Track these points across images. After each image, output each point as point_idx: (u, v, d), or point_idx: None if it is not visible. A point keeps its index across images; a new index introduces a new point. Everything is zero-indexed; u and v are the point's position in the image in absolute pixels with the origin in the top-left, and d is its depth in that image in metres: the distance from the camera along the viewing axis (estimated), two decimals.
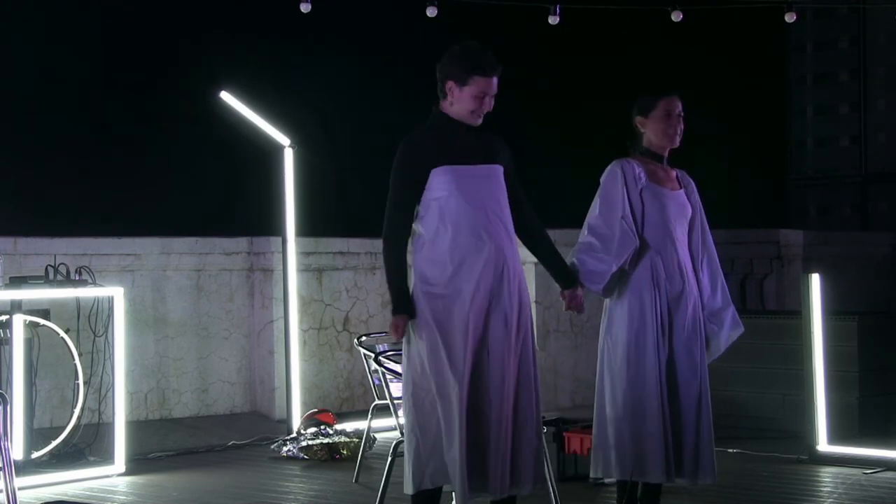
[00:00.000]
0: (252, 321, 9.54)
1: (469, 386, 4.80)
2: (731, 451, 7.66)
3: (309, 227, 9.40)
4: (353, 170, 11.89)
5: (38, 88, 10.52)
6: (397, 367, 6.13)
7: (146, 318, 9.03)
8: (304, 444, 7.89)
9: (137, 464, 7.61)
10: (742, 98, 15.44)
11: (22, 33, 10.34)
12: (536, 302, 9.82)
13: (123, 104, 11.08)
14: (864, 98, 17.36)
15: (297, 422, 8.69)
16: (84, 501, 6.57)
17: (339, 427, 8.22)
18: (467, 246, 4.87)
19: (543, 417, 5.26)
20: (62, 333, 7.49)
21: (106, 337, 7.42)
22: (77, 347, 7.52)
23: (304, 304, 9.53)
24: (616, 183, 5.50)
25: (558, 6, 9.88)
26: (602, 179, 5.56)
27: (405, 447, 4.95)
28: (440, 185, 4.88)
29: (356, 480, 7.09)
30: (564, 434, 6.91)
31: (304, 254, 9.44)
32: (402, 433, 5.96)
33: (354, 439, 7.81)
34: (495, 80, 4.93)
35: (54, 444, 7.38)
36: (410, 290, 4.92)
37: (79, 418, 7.51)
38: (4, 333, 7.14)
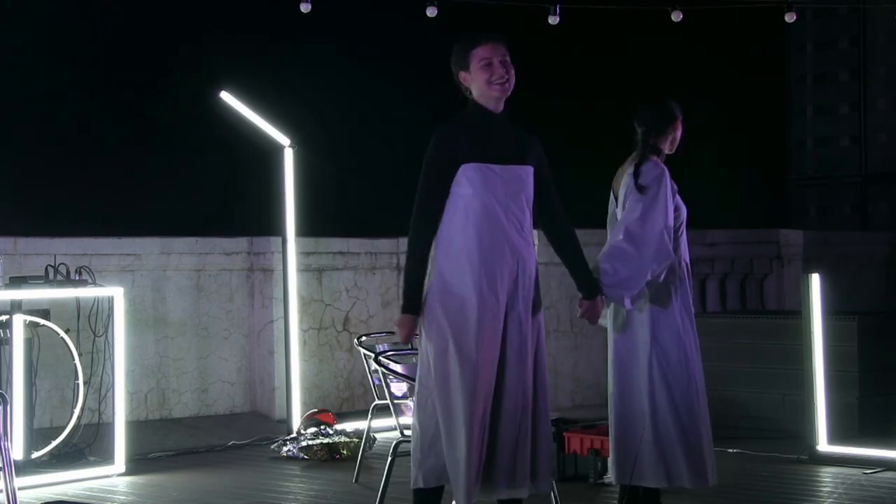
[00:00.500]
0: (252, 321, 9.54)
1: (485, 386, 4.80)
2: (731, 451, 7.66)
3: (309, 227, 9.40)
4: (353, 170, 11.89)
5: (38, 88, 10.51)
6: (397, 367, 6.13)
7: (146, 318, 9.03)
8: (304, 444, 7.89)
9: (137, 464, 7.61)
10: (742, 98, 15.44)
11: (22, 33, 10.33)
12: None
13: (124, 104, 11.07)
14: (864, 98, 17.36)
15: (297, 422, 8.69)
16: (84, 501, 6.57)
17: (339, 427, 8.22)
18: (489, 248, 4.85)
19: None
20: (62, 333, 7.49)
21: (106, 337, 7.42)
22: (77, 347, 7.52)
23: (304, 304, 9.53)
24: (662, 187, 5.42)
25: (558, 6, 9.87)
26: (645, 181, 5.44)
27: (412, 440, 4.98)
28: (467, 181, 4.86)
29: (356, 480, 7.09)
30: (564, 434, 6.91)
31: (304, 254, 9.44)
32: (402, 433, 5.97)
33: (354, 439, 7.81)
34: (495, 46, 4.93)
35: (54, 444, 7.38)
36: (426, 288, 4.91)
37: (79, 418, 7.51)
38: (4, 333, 7.14)
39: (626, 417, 5.50)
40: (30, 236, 8.54)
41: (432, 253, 4.95)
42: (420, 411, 4.90)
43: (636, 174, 5.49)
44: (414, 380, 5.76)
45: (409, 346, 7.62)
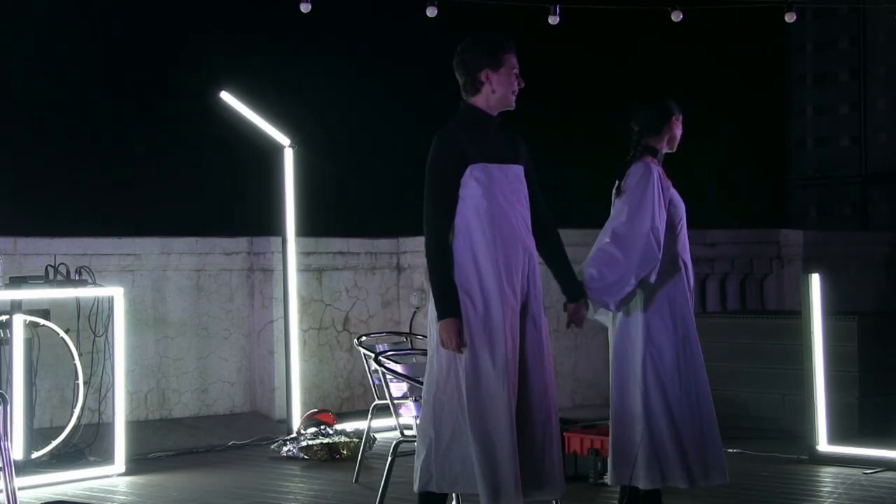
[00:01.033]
0: (252, 321, 9.54)
1: (514, 388, 4.80)
2: (731, 451, 7.65)
3: (309, 227, 9.40)
4: (353, 170, 11.88)
5: (38, 88, 10.51)
6: (397, 367, 6.13)
7: (146, 318, 9.03)
8: (304, 444, 7.89)
9: (137, 464, 7.61)
10: (742, 98, 15.43)
11: (22, 33, 10.33)
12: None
13: (123, 104, 11.07)
14: (864, 98, 17.35)
15: (297, 422, 8.69)
16: (84, 501, 6.57)
17: (339, 427, 8.22)
18: (505, 247, 4.85)
19: None
20: (62, 333, 7.49)
21: (106, 337, 7.42)
22: (77, 347, 7.52)
23: (304, 304, 9.53)
24: (648, 188, 5.40)
25: (558, 6, 9.87)
26: (632, 182, 5.44)
27: (417, 444, 4.95)
28: (475, 182, 4.86)
29: (356, 480, 7.09)
30: (564, 434, 6.90)
31: (304, 254, 9.44)
32: (402, 433, 5.97)
33: (354, 439, 7.81)
34: (515, 55, 5.00)
35: (54, 444, 7.38)
36: None
37: (79, 418, 7.52)
38: (4, 333, 7.14)
39: (623, 419, 5.50)
40: (30, 236, 8.55)
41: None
42: (435, 416, 4.85)
43: (622, 175, 5.49)
44: (414, 380, 5.77)
45: (410, 346, 7.65)
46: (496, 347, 4.78)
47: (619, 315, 5.52)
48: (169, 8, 11.15)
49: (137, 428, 8.35)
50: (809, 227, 16.38)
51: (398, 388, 6.16)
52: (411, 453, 5.25)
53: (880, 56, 17.24)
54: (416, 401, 6.00)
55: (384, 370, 6.04)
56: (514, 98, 4.99)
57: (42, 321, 7.36)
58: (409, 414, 6.13)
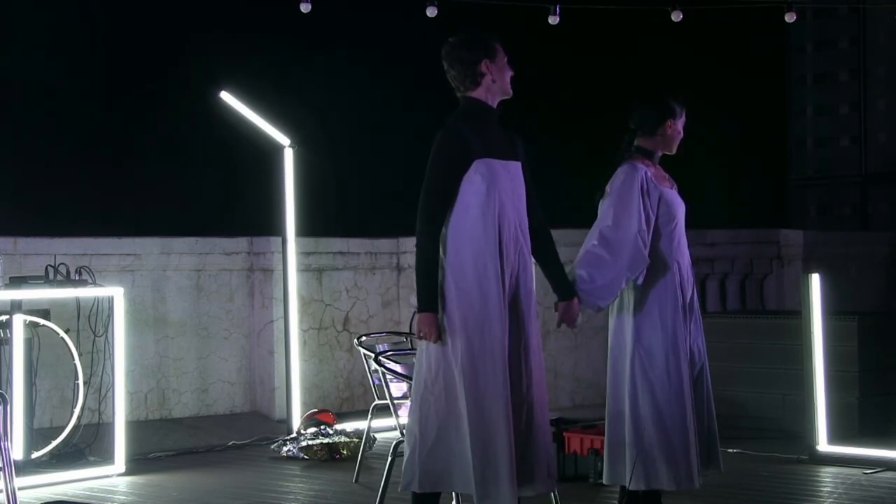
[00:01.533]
0: (252, 321, 9.54)
1: (510, 385, 4.81)
2: (731, 451, 7.65)
3: (309, 227, 9.40)
4: (353, 170, 11.89)
5: (37, 88, 10.51)
6: (397, 367, 6.13)
7: (146, 318, 9.04)
8: (304, 444, 7.89)
9: (137, 464, 7.61)
10: (742, 98, 15.43)
11: (22, 33, 10.33)
12: (537, 302, 9.81)
13: (123, 104, 11.07)
14: (864, 98, 17.35)
15: (297, 422, 8.69)
16: (84, 501, 6.57)
17: (339, 427, 8.22)
18: (505, 242, 4.86)
19: None
20: (62, 333, 7.49)
21: (106, 337, 7.42)
22: (77, 347, 7.52)
23: (304, 304, 9.53)
24: (633, 191, 5.37)
25: (558, 6, 9.87)
26: (616, 185, 5.42)
27: (405, 444, 4.96)
28: (480, 177, 4.85)
29: (356, 480, 7.09)
30: (564, 434, 6.91)
31: (304, 254, 9.44)
32: (402, 433, 5.96)
33: (354, 439, 7.81)
34: None
35: (54, 444, 7.38)
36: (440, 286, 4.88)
37: (79, 418, 7.51)
38: (4, 333, 7.14)
39: (615, 419, 5.50)
40: (30, 236, 8.54)
41: (441, 251, 4.92)
42: (422, 414, 4.86)
43: (611, 177, 5.49)
44: None
45: (410, 346, 7.65)
46: (493, 343, 4.78)
47: (613, 315, 5.52)
48: (169, 8, 11.16)
49: (137, 428, 8.35)
50: (809, 227, 16.39)
51: (398, 388, 6.16)
52: None
53: (880, 56, 17.25)
54: None
55: (384, 370, 6.04)
56: (511, 88, 5.03)
57: (42, 321, 7.36)
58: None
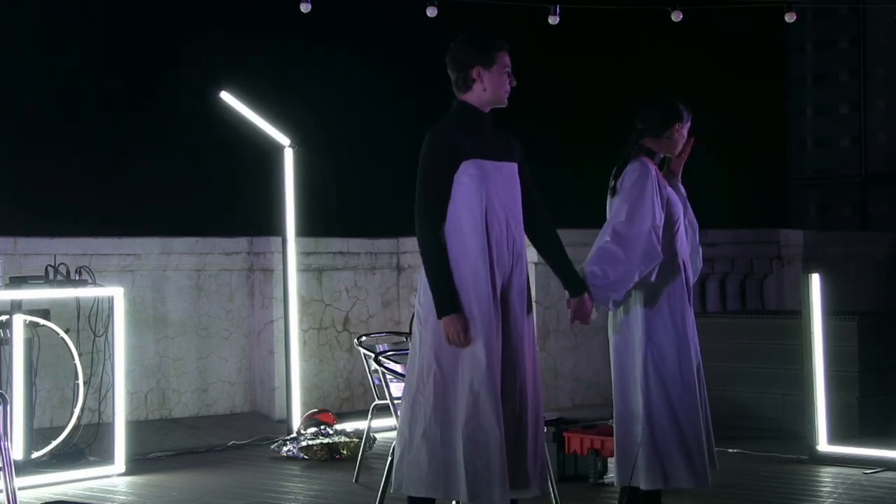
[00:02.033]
0: (252, 321, 9.54)
1: (503, 386, 4.80)
2: (731, 451, 7.66)
3: (309, 227, 9.40)
4: (353, 170, 11.88)
5: (37, 88, 10.51)
6: (397, 367, 6.13)
7: (146, 318, 9.04)
8: (304, 444, 7.89)
9: (137, 464, 7.61)
10: (742, 98, 15.42)
11: (21, 33, 10.33)
12: (536, 302, 9.81)
13: (123, 104, 11.07)
14: (864, 98, 17.34)
15: (297, 422, 8.69)
16: (84, 501, 6.57)
17: (339, 427, 8.22)
18: (497, 244, 4.85)
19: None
20: (62, 333, 7.49)
21: (106, 337, 7.42)
22: (77, 347, 7.52)
23: (304, 304, 9.53)
24: (646, 187, 5.36)
25: (558, 6, 9.88)
26: (629, 182, 5.41)
27: (396, 445, 4.97)
28: (469, 178, 4.84)
29: (356, 480, 7.09)
30: (564, 434, 6.91)
31: (304, 254, 9.44)
32: None
33: (354, 439, 7.81)
34: (509, 54, 4.98)
35: (54, 444, 7.38)
36: (426, 292, 4.87)
37: (79, 418, 7.52)
38: (4, 333, 7.14)
39: (625, 419, 5.49)
40: (30, 236, 8.55)
41: None
42: (412, 418, 4.84)
43: (618, 175, 5.48)
44: None
45: (410, 347, 7.64)
46: (487, 344, 4.77)
47: (619, 314, 5.51)
48: (169, 8, 11.15)
49: (137, 428, 8.35)
50: (809, 227, 16.38)
51: (398, 388, 6.16)
52: None
53: (880, 56, 17.24)
54: None
55: (384, 370, 6.05)
56: (506, 97, 4.97)
57: (42, 321, 7.36)
58: None
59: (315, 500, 6.75)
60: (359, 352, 7.19)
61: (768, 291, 11.27)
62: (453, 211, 4.85)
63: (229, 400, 9.44)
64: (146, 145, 10.94)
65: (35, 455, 7.27)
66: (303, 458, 7.85)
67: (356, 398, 9.82)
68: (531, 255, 5.33)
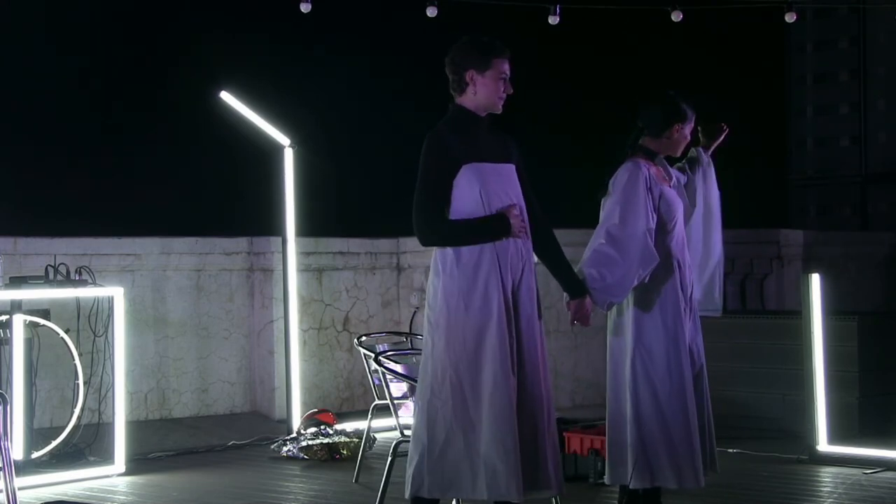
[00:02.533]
0: (252, 321, 9.54)
1: (518, 387, 4.80)
2: (731, 451, 7.66)
3: (309, 227, 9.40)
4: (353, 170, 11.89)
5: (37, 88, 10.52)
6: (397, 367, 6.13)
7: (146, 318, 9.04)
8: (304, 444, 7.89)
9: (137, 464, 7.61)
10: (742, 98, 15.44)
11: (21, 33, 10.33)
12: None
13: (123, 104, 11.08)
14: (864, 98, 17.36)
15: (297, 422, 8.69)
16: (84, 501, 6.57)
17: (339, 427, 8.22)
18: (502, 246, 4.85)
19: None
20: (62, 333, 7.49)
21: (106, 337, 7.42)
22: (77, 347, 7.52)
23: (304, 304, 9.53)
24: (638, 189, 5.33)
25: (558, 6, 9.87)
26: (620, 183, 5.38)
27: (410, 449, 4.94)
28: (467, 182, 4.83)
29: (356, 480, 7.09)
30: (564, 434, 6.90)
31: (304, 254, 9.44)
32: (402, 433, 5.96)
33: (354, 439, 7.81)
34: (509, 62, 4.94)
35: (54, 444, 7.38)
36: (441, 290, 4.84)
37: (79, 418, 7.51)
38: (4, 333, 7.14)
39: (616, 419, 5.49)
40: (30, 236, 8.54)
41: (439, 258, 4.89)
42: (429, 421, 4.82)
43: (612, 174, 5.46)
44: (414, 380, 5.75)
45: (410, 346, 7.65)
46: (501, 345, 4.77)
47: (613, 314, 5.50)
48: (169, 8, 11.16)
49: (137, 428, 8.35)
50: (809, 227, 16.39)
51: (398, 388, 6.17)
52: None
53: (880, 56, 17.25)
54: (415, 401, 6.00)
55: (384, 370, 6.04)
56: (500, 103, 4.93)
57: (42, 321, 7.36)
58: (408, 414, 6.12)
59: (315, 500, 6.75)
60: (359, 352, 7.19)
61: (768, 291, 11.27)
62: (455, 215, 4.85)
63: (229, 400, 9.44)
64: (146, 145, 10.95)
65: (35, 455, 7.27)
66: (303, 458, 7.85)
67: (356, 398, 9.82)
68: None
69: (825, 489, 6.84)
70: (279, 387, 9.27)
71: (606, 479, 5.60)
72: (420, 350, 6.33)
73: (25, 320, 7.18)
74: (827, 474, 7.14)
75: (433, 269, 4.90)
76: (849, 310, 8.74)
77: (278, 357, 9.28)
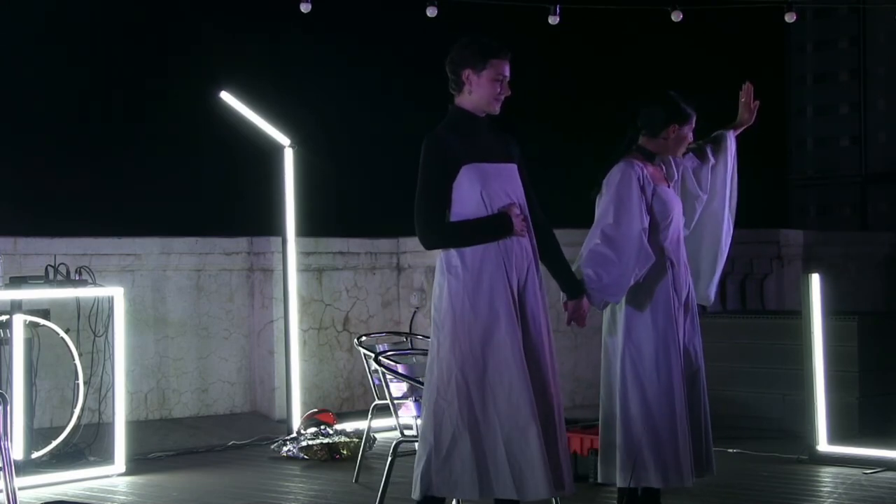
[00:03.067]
0: (252, 321, 9.54)
1: (532, 387, 4.80)
2: (731, 451, 7.66)
3: (309, 227, 9.40)
4: (353, 170, 11.88)
5: (37, 88, 10.51)
6: (397, 367, 6.13)
7: (146, 318, 9.04)
8: (304, 444, 7.89)
9: (137, 464, 7.61)
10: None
11: (21, 33, 10.33)
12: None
13: (123, 104, 11.07)
14: (864, 98, 17.35)
15: (297, 422, 8.69)
16: (84, 501, 6.57)
17: (339, 427, 8.22)
18: (502, 246, 4.85)
19: None
20: (62, 333, 7.49)
21: (106, 337, 7.42)
22: (77, 347, 7.52)
23: (304, 304, 9.53)
24: (631, 189, 5.32)
25: (558, 6, 9.88)
26: (613, 183, 5.37)
27: (417, 451, 4.92)
28: (469, 183, 4.82)
29: (356, 480, 7.09)
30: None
31: (304, 254, 9.44)
32: (402, 433, 5.97)
33: (354, 439, 7.81)
34: (508, 64, 4.92)
35: (54, 444, 7.38)
36: (447, 291, 4.84)
37: (79, 418, 7.52)
38: (4, 333, 7.14)
39: (609, 417, 5.49)
40: (30, 236, 8.55)
41: (444, 259, 4.89)
42: (436, 422, 4.81)
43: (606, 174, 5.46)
44: (414, 380, 5.77)
45: (410, 346, 7.65)
46: (512, 342, 4.77)
47: (607, 313, 5.50)
48: (169, 8, 11.16)
49: (137, 428, 8.36)
50: (809, 227, 16.38)
51: (398, 388, 6.16)
52: (411, 453, 5.24)
53: (880, 56, 17.25)
54: (416, 401, 6.00)
55: (384, 370, 6.04)
56: (496, 105, 4.91)
57: (42, 321, 7.36)
58: (408, 414, 6.13)
59: (315, 500, 6.75)
60: (359, 352, 7.19)
61: (768, 291, 11.27)
62: (457, 216, 4.84)
63: (229, 400, 9.44)
64: (146, 145, 10.95)
65: (35, 455, 7.27)
66: (303, 458, 7.85)
67: (356, 398, 9.82)
68: None
69: (825, 489, 6.84)
70: (279, 387, 9.27)
71: (599, 478, 5.60)
72: (420, 350, 6.35)
73: (25, 320, 7.19)
74: (827, 474, 7.15)
75: (438, 270, 4.90)
76: (849, 310, 8.74)
77: (278, 357, 9.28)
